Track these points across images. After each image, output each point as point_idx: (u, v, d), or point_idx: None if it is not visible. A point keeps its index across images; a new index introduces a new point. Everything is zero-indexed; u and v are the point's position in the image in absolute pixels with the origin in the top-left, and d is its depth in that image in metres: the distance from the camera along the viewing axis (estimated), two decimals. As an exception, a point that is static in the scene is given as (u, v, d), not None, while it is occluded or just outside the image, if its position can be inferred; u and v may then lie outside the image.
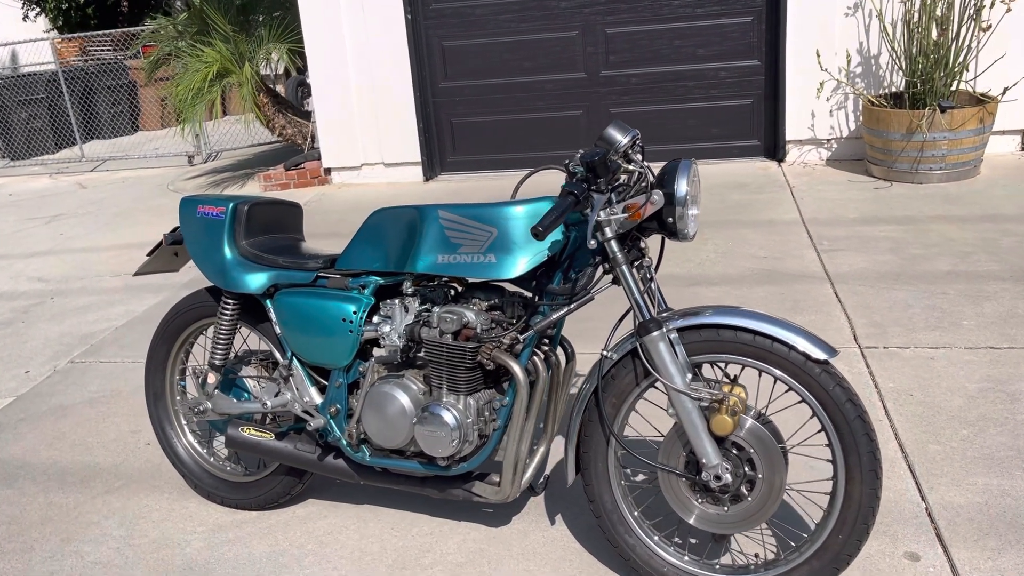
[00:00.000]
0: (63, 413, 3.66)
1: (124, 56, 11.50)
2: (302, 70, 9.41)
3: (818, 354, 2.00)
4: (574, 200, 1.97)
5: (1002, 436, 2.73)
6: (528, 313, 2.23)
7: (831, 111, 6.14)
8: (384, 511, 2.70)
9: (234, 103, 9.33)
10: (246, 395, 2.72)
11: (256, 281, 2.50)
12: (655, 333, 2.07)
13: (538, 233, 1.90)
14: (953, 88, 5.46)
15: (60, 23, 14.65)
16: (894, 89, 5.94)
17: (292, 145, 8.14)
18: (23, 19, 15.07)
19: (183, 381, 2.90)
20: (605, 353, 2.18)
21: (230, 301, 2.59)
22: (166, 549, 2.64)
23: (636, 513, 2.25)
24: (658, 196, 2.04)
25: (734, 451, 2.10)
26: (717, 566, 2.21)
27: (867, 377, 3.16)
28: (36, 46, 11.79)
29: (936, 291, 3.85)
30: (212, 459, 2.87)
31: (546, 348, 2.34)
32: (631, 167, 2.08)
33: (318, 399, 2.50)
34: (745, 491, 2.09)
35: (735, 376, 2.18)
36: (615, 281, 2.15)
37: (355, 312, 2.36)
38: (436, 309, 2.28)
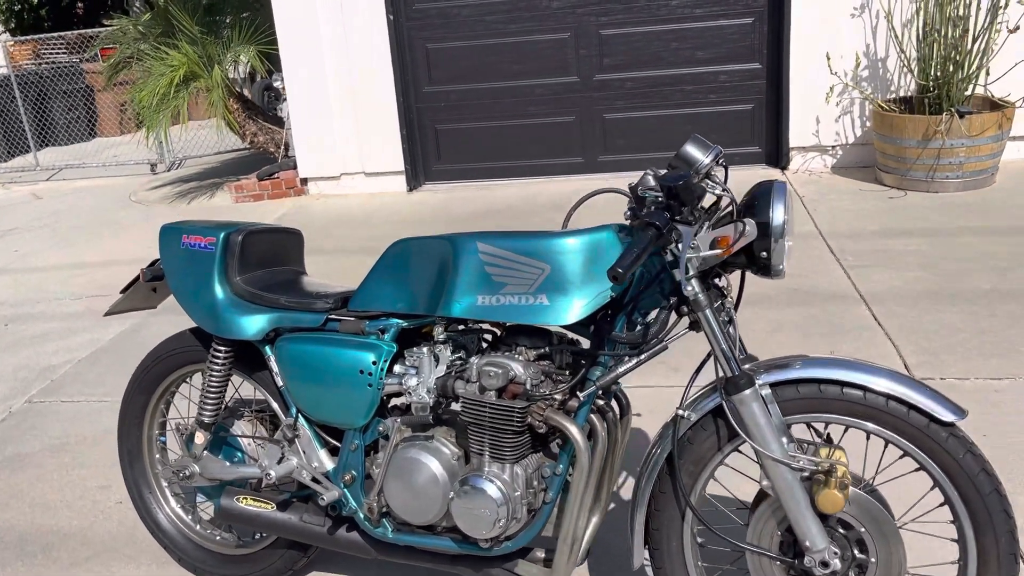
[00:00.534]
0: (20, 464, 3.22)
1: (80, 59, 10.93)
2: (269, 73, 8.95)
3: (944, 415, 1.67)
4: (656, 233, 1.62)
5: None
6: (587, 364, 1.88)
7: (836, 117, 5.87)
8: (403, 587, 2.33)
9: (200, 108, 8.86)
10: (239, 455, 2.32)
11: (254, 325, 2.11)
12: (747, 392, 1.72)
13: (618, 275, 1.55)
14: (968, 92, 5.22)
15: (12, 25, 13.97)
16: (902, 94, 5.69)
17: (264, 153, 7.70)
18: (-29, 21, 14.37)
19: (163, 436, 2.50)
20: (681, 413, 1.83)
21: (222, 349, 2.19)
22: (147, 640, 2.24)
23: (716, 599, 1.91)
24: (751, 227, 1.70)
25: (840, 530, 1.76)
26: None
27: (930, 414, 2.85)
28: (-14, 49, 11.17)
29: (983, 312, 3.57)
30: (199, 527, 2.47)
31: (601, 402, 1.98)
32: (718, 191, 1.74)
33: (329, 464, 2.12)
34: (855, 578, 1.76)
35: (827, 435, 1.86)
36: (692, 326, 1.81)
37: (374, 362, 1.99)
38: (475, 360, 1.91)
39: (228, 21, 7.59)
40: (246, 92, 10.74)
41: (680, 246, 1.67)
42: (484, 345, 2.05)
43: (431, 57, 6.39)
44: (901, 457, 1.77)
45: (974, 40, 5.02)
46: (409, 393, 1.99)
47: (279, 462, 2.14)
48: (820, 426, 1.83)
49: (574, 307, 1.80)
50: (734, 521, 2.09)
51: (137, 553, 2.61)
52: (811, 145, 5.96)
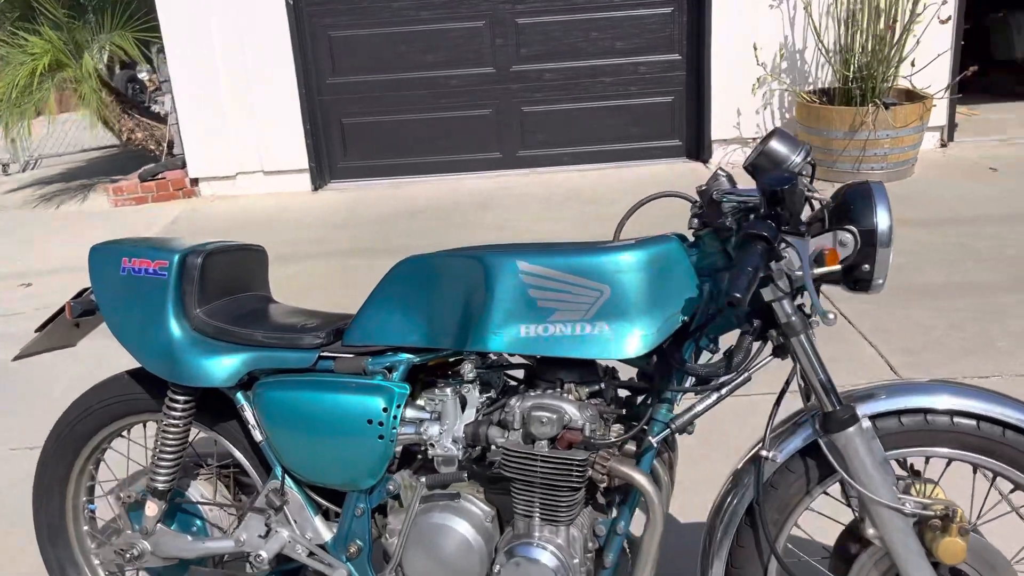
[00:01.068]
0: None
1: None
2: (131, 63, 8.18)
3: (1069, 444, 1.48)
4: (767, 247, 1.34)
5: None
6: (653, 401, 1.59)
7: (757, 109, 5.82)
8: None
9: (63, 101, 7.99)
10: (198, 524, 1.90)
11: (224, 369, 1.70)
12: (852, 429, 1.48)
13: (739, 301, 1.26)
14: (888, 84, 5.25)
15: None
16: (821, 85, 5.69)
17: (142, 151, 6.99)
18: None
19: (93, 504, 2.04)
20: (765, 453, 1.56)
21: (180, 399, 1.77)
22: None
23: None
24: (850, 236, 1.45)
25: (951, 579, 1.55)
26: None
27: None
28: None
29: (947, 307, 3.51)
30: (144, 613, 2.03)
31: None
32: (817, 196, 1.48)
33: (326, 534, 1.74)
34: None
35: (911, 466, 1.64)
36: (778, 352, 1.55)
37: (386, 409, 1.62)
38: (516, 403, 1.58)
39: (94, 4, 6.83)
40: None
41: (789, 261, 1.40)
42: (510, 381, 1.73)
43: (335, 46, 5.92)
44: (1012, 491, 1.57)
45: (903, 32, 5.03)
46: (432, 445, 1.64)
47: (265, 536, 1.73)
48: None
49: (642, 336, 1.50)
50: (822, 572, 1.81)
51: (59, 645, 2.12)
52: (733, 137, 5.89)
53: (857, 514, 1.58)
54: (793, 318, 1.47)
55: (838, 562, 1.65)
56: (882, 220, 1.45)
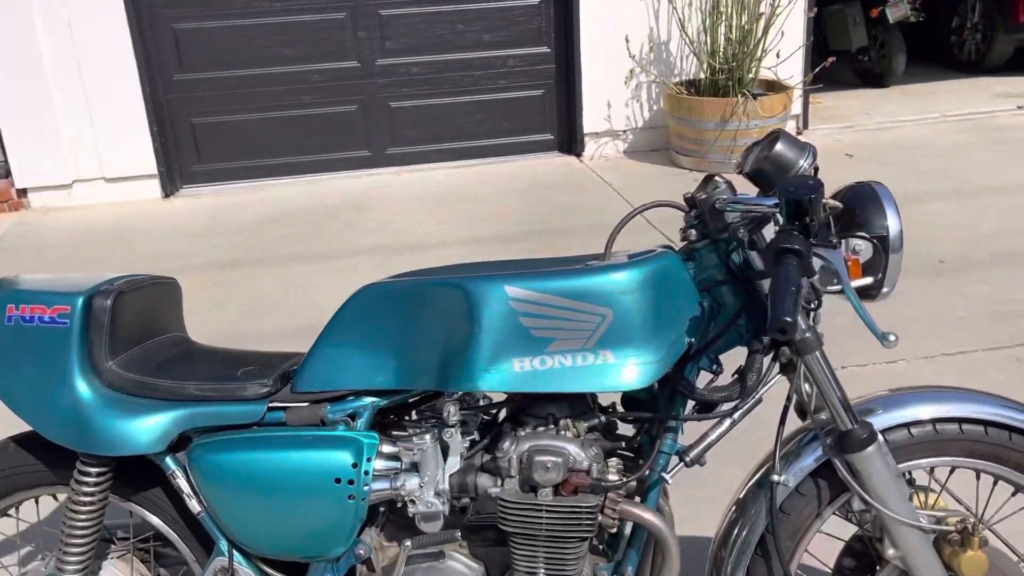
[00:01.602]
0: None
1: None
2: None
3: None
4: (801, 262, 1.23)
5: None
6: (657, 432, 1.45)
7: (626, 101, 5.83)
8: None
9: None
10: (116, 613, 1.59)
11: (150, 431, 1.41)
12: (871, 448, 1.40)
13: (790, 327, 1.14)
14: (752, 76, 5.38)
15: None
16: (686, 77, 5.77)
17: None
18: None
19: (-28, 600, 1.67)
20: (777, 478, 1.46)
21: (93, 471, 1.46)
22: None
23: None
24: (864, 244, 1.37)
25: (965, 589, 1.50)
26: None
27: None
28: None
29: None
30: None
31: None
32: (831, 202, 1.38)
33: (285, 613, 1.49)
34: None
35: (911, 476, 1.59)
36: (785, 370, 1.44)
37: (355, 464, 1.40)
38: (509, 447, 1.40)
39: None
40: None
41: (821, 276, 1.29)
42: (486, 417, 1.55)
43: (180, 39, 5.42)
44: (1014, 494, 1.54)
45: (768, 25, 5.16)
46: (413, 500, 1.42)
47: (214, 627, 1.46)
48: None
49: (651, 362, 1.36)
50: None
51: None
52: (604, 130, 5.88)
53: (868, 531, 1.52)
54: (808, 335, 1.37)
55: (839, 577, 1.59)
56: (893, 224, 1.38)
